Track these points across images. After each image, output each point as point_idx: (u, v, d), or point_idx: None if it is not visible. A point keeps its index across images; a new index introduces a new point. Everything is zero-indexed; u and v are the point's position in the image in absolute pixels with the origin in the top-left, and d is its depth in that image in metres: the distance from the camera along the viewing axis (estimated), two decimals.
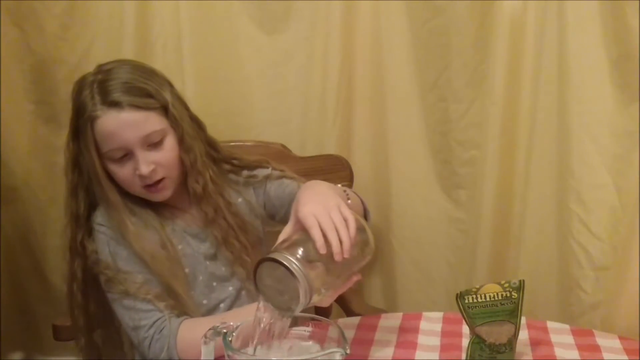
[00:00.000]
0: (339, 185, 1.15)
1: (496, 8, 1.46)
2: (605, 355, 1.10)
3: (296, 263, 0.87)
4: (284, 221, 1.07)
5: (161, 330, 1.12)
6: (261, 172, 1.30)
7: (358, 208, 1.17)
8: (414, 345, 1.13)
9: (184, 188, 1.22)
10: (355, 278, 0.99)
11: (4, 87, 1.64)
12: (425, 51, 1.56)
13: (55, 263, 1.80)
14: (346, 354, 0.84)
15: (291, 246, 0.92)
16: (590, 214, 1.45)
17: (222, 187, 1.25)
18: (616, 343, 1.14)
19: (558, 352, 1.11)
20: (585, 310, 1.48)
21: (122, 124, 1.11)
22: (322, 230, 0.92)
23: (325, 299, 0.96)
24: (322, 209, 0.94)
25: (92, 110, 1.11)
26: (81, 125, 1.13)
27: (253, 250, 1.23)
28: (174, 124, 1.17)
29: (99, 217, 1.19)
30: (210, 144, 1.26)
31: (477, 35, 1.51)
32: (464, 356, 1.06)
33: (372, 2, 1.56)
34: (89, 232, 1.19)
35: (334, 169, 1.53)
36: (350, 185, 1.53)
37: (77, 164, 1.17)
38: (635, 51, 1.34)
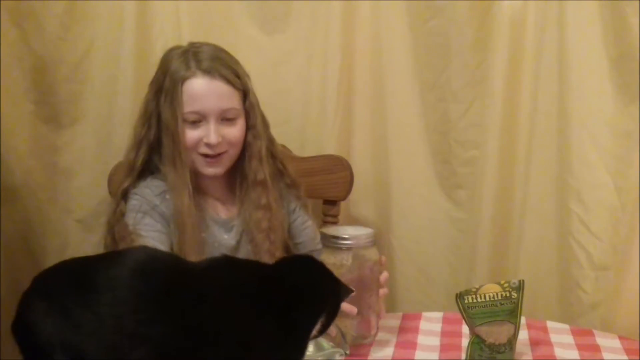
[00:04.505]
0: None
1: (496, 8, 1.47)
2: (605, 355, 1.10)
3: None
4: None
5: None
6: (296, 191, 1.35)
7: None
8: (414, 346, 1.13)
9: (230, 175, 1.27)
10: (384, 290, 1.13)
11: (4, 87, 1.63)
12: (425, 51, 1.56)
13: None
14: (346, 354, 0.84)
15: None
16: (590, 214, 1.45)
17: (274, 182, 1.30)
18: (616, 343, 1.14)
19: (558, 352, 1.11)
20: (585, 310, 1.48)
21: (210, 90, 1.20)
22: None
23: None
24: None
25: (187, 70, 1.20)
26: (170, 83, 1.20)
27: (277, 252, 1.26)
28: (250, 110, 1.25)
29: (136, 187, 1.23)
30: (272, 141, 1.33)
31: (477, 35, 1.51)
32: (463, 356, 1.06)
33: (372, 2, 1.56)
34: (126, 196, 1.24)
35: (334, 169, 1.53)
36: (350, 185, 1.52)
37: (149, 120, 1.23)
38: (635, 51, 1.34)
